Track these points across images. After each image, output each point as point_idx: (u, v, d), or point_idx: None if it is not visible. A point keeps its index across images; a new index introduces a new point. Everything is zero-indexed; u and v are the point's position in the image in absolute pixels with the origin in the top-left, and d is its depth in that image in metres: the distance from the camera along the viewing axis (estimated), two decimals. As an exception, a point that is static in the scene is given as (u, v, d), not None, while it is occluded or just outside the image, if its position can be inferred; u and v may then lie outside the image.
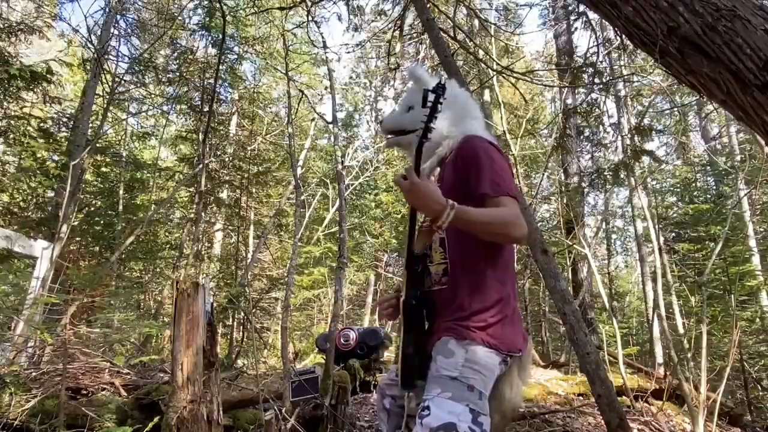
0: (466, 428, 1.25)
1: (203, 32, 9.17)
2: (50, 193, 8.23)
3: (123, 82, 8.94)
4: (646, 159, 6.81)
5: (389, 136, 1.64)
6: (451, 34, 5.15)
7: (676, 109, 10.08)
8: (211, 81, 8.33)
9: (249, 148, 10.72)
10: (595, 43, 4.52)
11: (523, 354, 1.48)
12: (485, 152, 1.41)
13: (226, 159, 10.18)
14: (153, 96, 10.44)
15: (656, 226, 5.91)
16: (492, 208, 1.33)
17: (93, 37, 7.48)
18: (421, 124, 1.29)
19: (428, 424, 1.25)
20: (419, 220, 1.54)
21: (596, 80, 4.22)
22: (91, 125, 8.44)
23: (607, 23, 2.48)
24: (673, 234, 10.23)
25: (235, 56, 9.69)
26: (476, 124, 1.55)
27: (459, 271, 1.41)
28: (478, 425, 1.27)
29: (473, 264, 1.41)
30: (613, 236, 14.36)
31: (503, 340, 1.39)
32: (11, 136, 6.91)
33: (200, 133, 8.65)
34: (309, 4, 5.30)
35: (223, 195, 10.37)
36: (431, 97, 1.26)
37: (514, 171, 7.69)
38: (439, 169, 1.57)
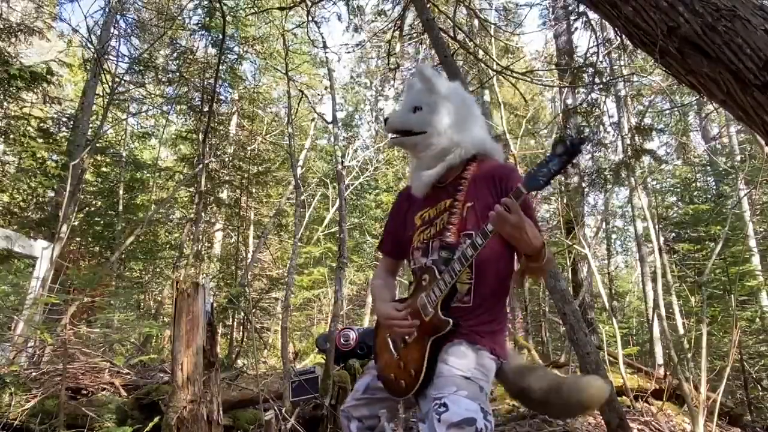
0: (483, 424, 1.30)
1: (203, 32, 9.18)
2: (50, 193, 8.24)
3: (123, 82, 8.94)
4: (646, 159, 6.81)
5: (394, 135, 1.61)
6: (451, 34, 5.15)
7: (676, 109, 10.08)
8: (211, 81, 8.33)
9: (249, 148, 10.73)
10: (595, 43, 4.52)
11: (507, 360, 1.59)
12: (528, 191, 1.44)
13: (226, 159, 10.18)
14: (153, 96, 10.44)
15: (656, 226, 5.91)
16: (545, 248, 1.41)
17: (93, 37, 7.49)
18: (542, 176, 1.22)
19: (448, 420, 1.28)
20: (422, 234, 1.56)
21: (596, 80, 4.22)
22: (91, 125, 8.45)
23: (607, 23, 2.48)
24: (673, 234, 10.23)
25: (235, 56, 9.69)
26: (483, 132, 1.57)
27: (482, 293, 1.47)
28: (488, 422, 1.33)
29: (497, 289, 1.50)
30: (613, 236, 14.37)
31: (502, 348, 1.50)
32: (11, 136, 6.91)
33: (200, 133, 8.65)
34: (309, 4, 5.30)
35: (223, 195, 10.37)
36: (561, 149, 1.19)
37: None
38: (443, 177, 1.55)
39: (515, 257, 1.50)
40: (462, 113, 1.51)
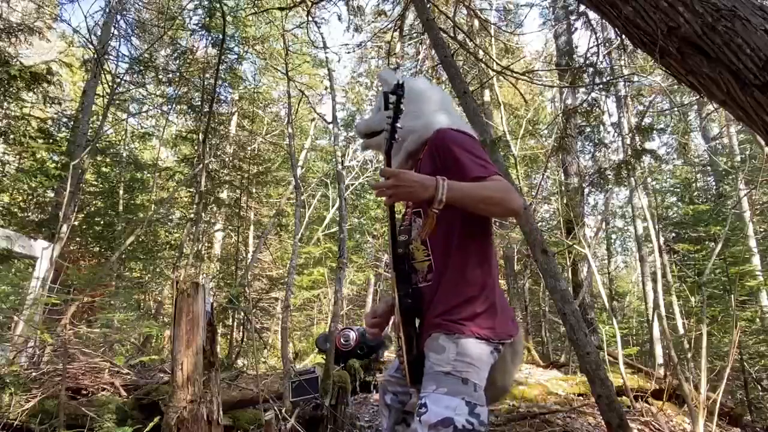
0: (464, 421, 1.27)
1: (203, 32, 9.17)
2: (50, 194, 8.24)
3: (123, 82, 8.94)
4: (646, 159, 6.80)
5: (363, 138, 1.68)
6: (451, 34, 5.15)
7: (676, 109, 10.08)
8: (211, 81, 8.33)
9: (249, 148, 10.73)
10: (595, 43, 4.51)
11: (514, 339, 1.48)
12: (460, 141, 1.44)
13: (226, 159, 10.18)
14: (153, 96, 10.44)
15: (656, 226, 5.91)
16: (483, 183, 1.34)
17: (93, 38, 7.49)
18: (387, 125, 1.34)
19: (427, 421, 1.27)
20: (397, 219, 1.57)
21: (596, 80, 4.22)
22: (91, 125, 8.45)
23: (607, 23, 2.48)
24: (673, 234, 10.23)
25: (235, 56, 9.69)
26: (441, 116, 1.55)
27: (442, 266, 1.42)
28: (475, 416, 1.29)
29: (456, 258, 1.42)
30: (613, 236, 14.37)
31: (493, 328, 1.39)
32: (11, 136, 6.91)
33: (200, 133, 8.65)
34: (309, 4, 5.30)
35: (223, 195, 10.37)
36: (392, 98, 1.31)
37: (515, 171, 7.70)
38: (409, 164, 1.59)
39: (474, 220, 1.42)
40: (415, 102, 1.54)
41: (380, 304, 1.67)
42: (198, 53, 9.90)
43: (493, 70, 5.91)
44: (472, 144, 1.46)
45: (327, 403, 3.28)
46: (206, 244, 10.35)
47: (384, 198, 1.31)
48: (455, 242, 1.41)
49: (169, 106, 10.52)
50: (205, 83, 9.15)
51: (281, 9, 6.01)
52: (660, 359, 6.19)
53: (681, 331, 5.18)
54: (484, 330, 1.37)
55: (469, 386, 1.32)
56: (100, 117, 8.54)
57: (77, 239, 8.91)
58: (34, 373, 3.44)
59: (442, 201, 1.26)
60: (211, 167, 9.03)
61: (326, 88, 10.10)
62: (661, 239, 6.30)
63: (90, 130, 8.22)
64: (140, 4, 9.57)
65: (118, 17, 8.74)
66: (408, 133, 1.52)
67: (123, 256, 8.31)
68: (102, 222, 9.30)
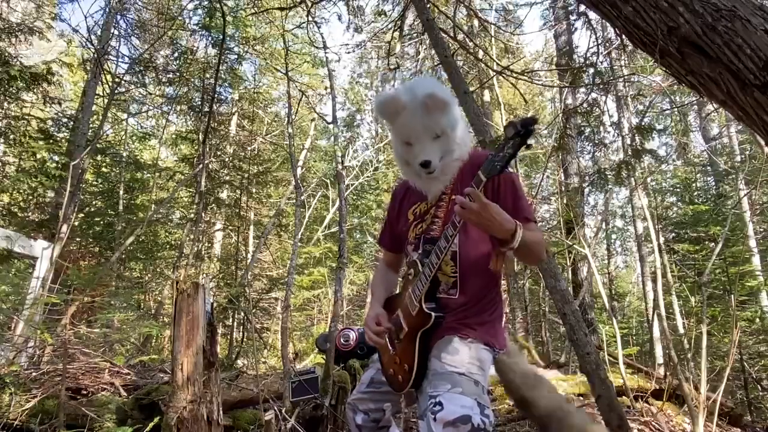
0: (479, 420, 1.29)
1: (203, 32, 9.18)
2: (50, 194, 8.24)
3: (123, 82, 8.94)
4: (646, 159, 6.80)
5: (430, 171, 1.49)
6: (451, 34, 5.15)
7: (676, 109, 10.07)
8: (211, 81, 8.33)
9: (249, 149, 10.73)
10: (595, 43, 4.52)
11: (506, 350, 1.58)
12: (518, 180, 1.51)
13: (226, 159, 10.18)
14: (153, 96, 10.44)
15: (656, 226, 5.91)
16: (534, 233, 1.40)
17: (93, 38, 7.48)
18: (505, 153, 1.21)
19: (443, 418, 1.28)
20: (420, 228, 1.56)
21: (596, 80, 4.21)
22: (91, 126, 8.44)
23: (607, 23, 2.48)
24: (673, 234, 10.23)
25: (236, 56, 9.69)
26: (464, 123, 1.59)
27: (468, 285, 1.48)
28: (486, 417, 1.32)
29: (484, 280, 1.49)
30: (613, 236, 14.37)
31: (497, 338, 1.49)
32: (12, 136, 6.91)
33: (200, 134, 8.65)
34: (309, 4, 5.30)
35: (223, 195, 10.37)
36: (518, 131, 1.16)
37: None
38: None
39: None
40: (460, 120, 1.50)
41: (377, 308, 1.64)
42: (198, 53, 9.90)
43: (493, 70, 5.91)
44: (523, 188, 1.54)
45: (327, 403, 3.28)
46: (206, 244, 10.35)
47: (460, 214, 1.27)
48: (486, 267, 1.46)
49: (169, 106, 10.52)
50: (205, 83, 9.15)
51: (281, 9, 6.01)
52: (660, 359, 6.19)
53: (681, 331, 5.18)
54: (490, 338, 1.46)
55: (479, 388, 1.37)
56: (100, 117, 8.54)
57: (77, 239, 8.91)
58: (34, 373, 3.44)
59: (514, 248, 1.29)
60: (211, 167, 9.03)
61: (326, 88, 10.10)
62: (661, 239, 6.30)
63: (90, 130, 8.22)
64: (140, 4, 9.56)
65: (118, 17, 8.74)
66: (461, 148, 1.49)
67: (123, 256, 8.32)
68: (102, 222, 9.30)
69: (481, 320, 1.47)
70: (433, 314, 1.41)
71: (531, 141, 1.19)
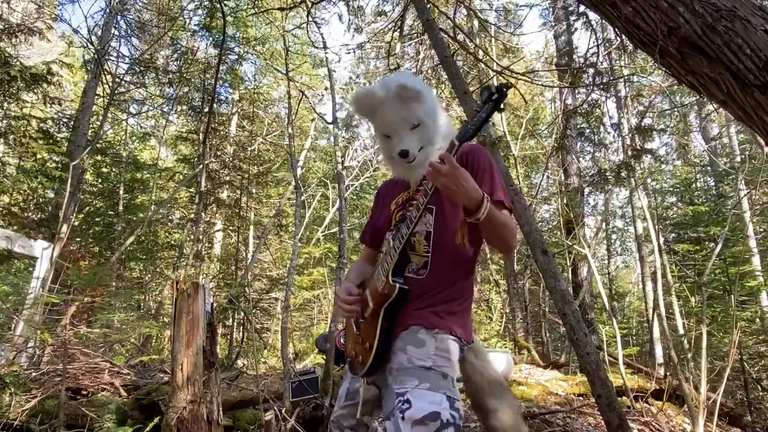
0: (448, 415, 1.27)
1: (204, 33, 9.18)
2: (50, 194, 8.24)
3: (123, 82, 8.95)
4: (646, 159, 6.81)
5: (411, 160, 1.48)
6: (451, 34, 5.15)
7: (676, 109, 10.08)
8: (212, 81, 8.33)
9: (249, 149, 10.73)
10: (595, 44, 4.52)
11: (473, 345, 1.55)
12: (494, 164, 1.49)
13: (227, 159, 10.18)
14: (153, 96, 10.44)
15: (656, 227, 5.90)
16: (505, 215, 1.39)
17: (93, 38, 7.49)
18: (477, 118, 1.23)
19: (411, 417, 1.26)
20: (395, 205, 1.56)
21: (596, 80, 4.22)
22: (91, 126, 8.45)
23: (607, 23, 2.48)
24: (673, 234, 10.23)
25: (236, 57, 9.70)
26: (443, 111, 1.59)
27: (439, 266, 1.44)
28: (456, 411, 1.30)
29: (453, 263, 1.46)
30: (613, 236, 14.36)
31: (465, 330, 1.45)
32: (12, 136, 6.91)
33: (200, 134, 8.65)
34: (309, 4, 5.30)
35: (223, 195, 10.37)
36: (495, 94, 1.20)
37: (515, 172, 7.71)
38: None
39: (477, 237, 1.47)
40: (439, 110, 1.50)
41: (347, 284, 1.60)
42: (198, 54, 9.91)
43: (493, 71, 5.91)
44: (499, 173, 1.52)
45: (327, 403, 3.28)
46: (206, 244, 10.35)
47: (431, 177, 1.28)
48: (459, 250, 1.43)
49: (169, 107, 10.53)
50: (206, 83, 9.16)
51: (281, 9, 6.01)
52: (660, 359, 6.19)
53: (681, 331, 5.18)
54: (458, 329, 1.42)
55: (448, 381, 1.34)
56: (100, 117, 8.54)
57: (77, 239, 8.91)
58: (34, 373, 3.44)
59: (479, 219, 1.28)
60: (211, 167, 9.03)
61: (326, 88, 10.11)
62: (661, 239, 6.30)
63: (90, 130, 8.23)
64: (140, 4, 9.57)
65: (119, 17, 8.75)
66: (446, 137, 1.47)
67: (123, 257, 8.32)
68: (102, 222, 9.31)
69: (449, 309, 1.43)
70: (397, 285, 1.38)
71: (503, 105, 1.21)
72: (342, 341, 4.66)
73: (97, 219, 9.35)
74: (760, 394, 6.77)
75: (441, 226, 1.45)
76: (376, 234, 1.64)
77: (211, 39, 9.06)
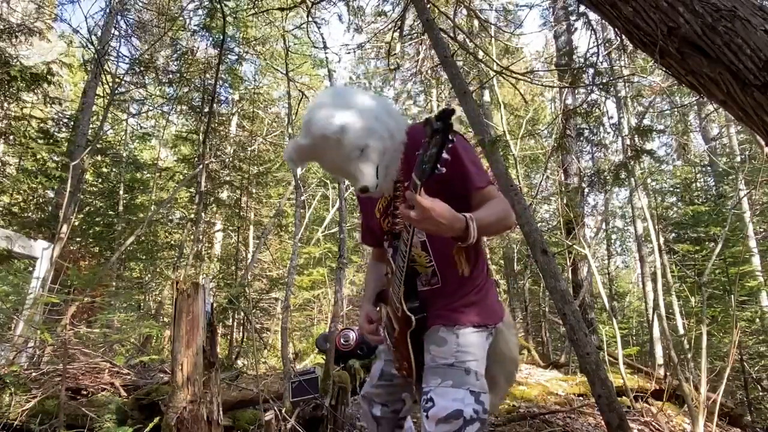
0: (471, 411, 1.28)
1: (204, 33, 9.18)
2: (50, 194, 8.24)
3: (123, 82, 8.95)
4: (646, 159, 6.81)
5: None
6: (451, 34, 5.15)
7: (676, 109, 10.08)
8: (212, 81, 8.33)
9: (249, 149, 10.73)
10: (595, 44, 4.52)
11: (504, 318, 1.53)
12: (461, 148, 1.37)
13: (227, 159, 10.18)
14: (153, 96, 10.44)
15: (656, 227, 5.90)
16: (491, 205, 1.33)
17: (93, 38, 7.49)
18: (430, 154, 1.10)
19: (435, 416, 1.28)
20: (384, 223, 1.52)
21: (596, 81, 4.22)
22: (91, 126, 8.45)
23: (607, 23, 2.48)
24: (673, 234, 10.23)
25: (236, 57, 9.70)
26: (393, 108, 1.44)
27: (446, 269, 1.44)
28: (480, 404, 1.31)
29: (459, 263, 1.44)
30: (613, 236, 14.36)
31: (489, 314, 1.45)
32: (12, 137, 6.92)
33: (200, 134, 8.65)
34: (309, 4, 5.30)
35: (224, 195, 10.37)
36: (437, 125, 1.08)
37: (515, 171, 7.70)
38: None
39: None
40: (375, 118, 1.32)
41: (367, 306, 1.62)
42: (198, 54, 9.91)
43: (493, 71, 5.91)
44: (470, 148, 1.44)
45: (327, 403, 3.28)
46: (206, 245, 10.35)
47: (405, 220, 1.22)
48: (456, 249, 1.40)
49: (169, 107, 10.52)
50: (206, 84, 9.15)
51: (281, 9, 6.01)
52: (660, 359, 6.19)
53: (681, 331, 5.18)
54: (480, 318, 1.42)
55: (471, 376, 1.35)
56: (100, 117, 8.54)
57: (77, 239, 8.91)
58: (34, 373, 3.44)
59: (471, 243, 1.24)
60: (211, 167, 9.03)
61: (326, 89, 10.10)
62: (661, 239, 6.30)
63: (90, 130, 8.23)
64: (140, 4, 9.57)
65: (119, 17, 8.75)
66: (398, 141, 1.36)
67: (123, 257, 8.31)
68: (102, 222, 9.31)
69: (468, 301, 1.42)
70: (413, 317, 1.39)
71: (454, 130, 1.10)
72: (342, 341, 4.66)
73: (97, 219, 9.35)
74: (760, 394, 6.77)
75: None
76: (374, 235, 1.63)
77: (211, 39, 9.06)
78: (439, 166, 1.09)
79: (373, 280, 1.69)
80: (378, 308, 1.64)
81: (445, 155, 1.08)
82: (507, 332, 1.59)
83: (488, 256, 10.08)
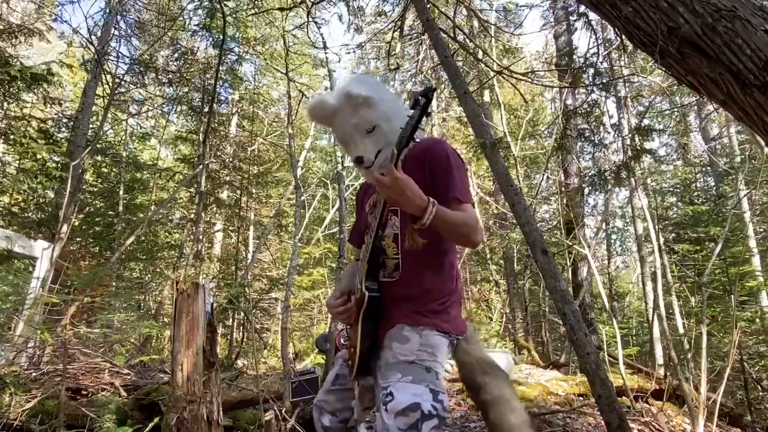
0: (430, 406, 1.30)
1: (204, 33, 9.18)
2: (50, 194, 8.24)
3: (123, 82, 8.95)
4: (646, 159, 6.80)
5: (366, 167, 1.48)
6: (451, 34, 5.15)
7: (676, 109, 10.08)
8: (212, 82, 8.33)
9: (249, 149, 10.73)
10: (595, 44, 4.52)
11: (466, 334, 1.56)
12: (455, 158, 1.48)
13: (226, 159, 10.18)
14: (153, 96, 10.44)
15: (656, 227, 5.91)
16: (456, 213, 1.38)
17: (93, 38, 7.49)
18: (407, 124, 1.27)
19: (394, 408, 1.29)
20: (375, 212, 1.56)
21: (596, 81, 4.22)
22: (91, 126, 8.46)
23: (607, 24, 2.48)
24: (673, 234, 10.23)
25: (236, 57, 9.70)
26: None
27: (411, 266, 1.47)
28: (439, 402, 1.33)
29: (425, 261, 1.47)
30: (613, 237, 14.36)
31: (452, 323, 1.48)
32: (12, 137, 6.91)
33: (200, 134, 8.65)
34: (309, 4, 5.30)
35: (223, 195, 10.37)
36: (422, 100, 1.25)
37: (515, 172, 7.70)
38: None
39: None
40: (396, 109, 1.47)
41: (338, 288, 1.68)
42: (198, 54, 9.91)
43: (493, 71, 5.91)
44: (462, 164, 1.52)
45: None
46: (206, 245, 10.35)
47: (379, 190, 1.33)
48: (428, 248, 1.46)
49: (169, 107, 10.53)
50: (206, 84, 9.16)
51: (281, 9, 6.02)
52: (660, 359, 6.19)
53: (681, 331, 5.18)
54: (444, 324, 1.45)
55: (432, 374, 1.37)
56: (100, 117, 8.54)
57: (77, 239, 8.91)
58: (34, 373, 3.44)
59: (424, 224, 1.29)
60: (211, 168, 9.03)
61: (326, 89, 10.11)
62: (661, 239, 6.30)
63: (90, 131, 8.23)
64: (140, 4, 9.57)
65: (118, 18, 8.75)
66: (398, 130, 1.44)
67: (123, 257, 8.31)
68: (102, 222, 9.31)
69: (432, 308, 1.45)
70: (366, 294, 1.42)
71: (431, 108, 1.25)
72: (342, 341, 4.66)
73: (97, 219, 9.35)
74: (760, 394, 6.77)
75: (406, 227, 1.47)
76: (360, 231, 1.70)
77: (211, 39, 9.05)
78: (415, 137, 1.23)
79: (348, 277, 1.73)
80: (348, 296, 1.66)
81: (420, 130, 1.20)
82: (465, 345, 1.62)
83: (488, 256, 10.05)
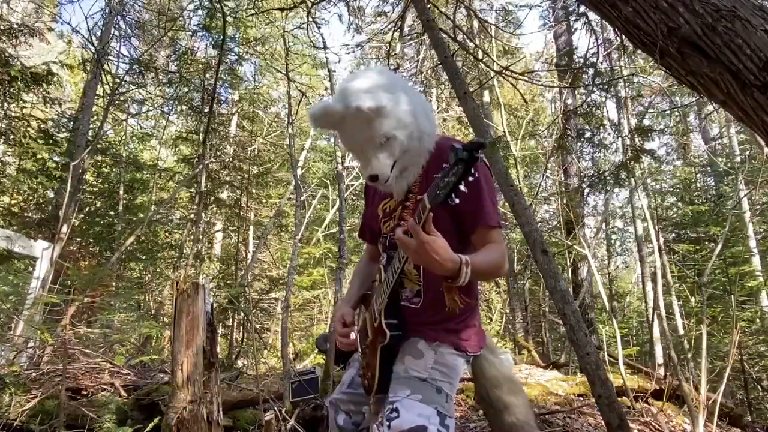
0: (435, 431, 1.23)
1: (203, 33, 9.17)
2: (50, 194, 8.24)
3: (123, 82, 8.95)
4: (646, 159, 6.80)
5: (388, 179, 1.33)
6: (451, 34, 5.15)
7: (676, 109, 10.08)
8: (212, 82, 8.33)
9: (249, 149, 10.74)
10: (595, 44, 4.52)
11: (486, 343, 1.50)
12: (486, 180, 1.34)
13: (227, 159, 10.18)
14: (153, 97, 10.45)
15: (656, 227, 5.91)
16: (490, 250, 1.28)
17: (93, 38, 7.49)
18: (447, 181, 1.05)
19: (398, 427, 1.22)
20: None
21: (596, 81, 4.22)
22: (91, 126, 8.45)
23: (607, 24, 2.48)
24: (673, 235, 10.23)
25: (236, 57, 9.69)
26: (430, 114, 1.41)
27: (433, 294, 1.39)
28: (445, 428, 1.26)
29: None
30: (613, 237, 14.36)
31: (469, 341, 1.41)
32: (12, 137, 6.91)
33: (200, 134, 8.65)
34: (309, 5, 5.31)
35: (224, 195, 10.37)
36: (463, 154, 1.01)
37: (515, 172, 7.71)
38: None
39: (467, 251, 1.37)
40: (412, 114, 1.30)
41: (344, 308, 1.55)
42: (198, 54, 9.91)
43: (493, 71, 5.91)
44: (491, 179, 1.41)
45: (327, 404, 3.28)
46: (206, 245, 10.35)
47: (399, 245, 1.19)
48: (445, 285, 1.35)
49: (169, 107, 10.52)
50: (206, 84, 9.15)
51: (281, 9, 6.02)
52: (660, 359, 6.19)
53: (681, 331, 5.19)
54: (462, 342, 1.38)
55: (442, 396, 1.30)
56: (100, 117, 8.54)
57: (77, 239, 8.91)
58: (34, 373, 3.44)
59: (462, 285, 1.19)
60: (211, 167, 9.03)
61: (326, 89, 10.11)
62: (661, 240, 6.30)
63: (90, 131, 8.23)
64: (140, 4, 9.57)
65: (118, 18, 8.75)
66: (425, 146, 1.34)
67: (123, 257, 8.31)
68: (102, 222, 9.30)
69: (448, 327, 1.38)
70: (389, 333, 1.34)
71: (481, 158, 1.05)
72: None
73: (97, 219, 9.35)
74: (760, 394, 6.78)
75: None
76: (373, 232, 1.60)
77: (211, 39, 9.04)
78: (453, 196, 1.04)
79: (359, 281, 1.63)
80: (357, 311, 1.58)
81: (462, 188, 1.03)
82: (491, 357, 1.56)
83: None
